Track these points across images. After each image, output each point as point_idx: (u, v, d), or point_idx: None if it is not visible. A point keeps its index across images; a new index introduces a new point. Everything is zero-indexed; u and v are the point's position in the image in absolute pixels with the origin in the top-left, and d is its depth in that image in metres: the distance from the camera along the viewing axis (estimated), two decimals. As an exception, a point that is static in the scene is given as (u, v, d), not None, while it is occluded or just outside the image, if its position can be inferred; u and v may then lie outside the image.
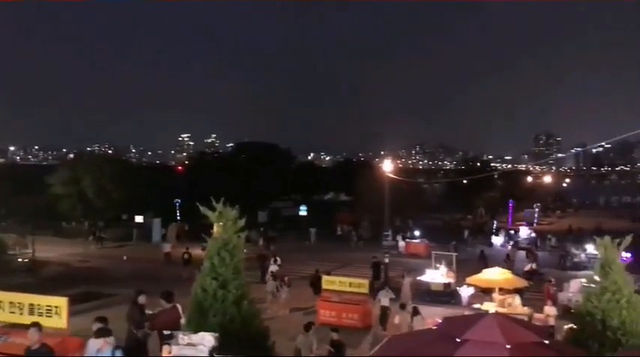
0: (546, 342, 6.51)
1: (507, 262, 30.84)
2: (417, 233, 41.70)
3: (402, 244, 39.46)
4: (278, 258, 27.16)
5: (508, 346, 6.14)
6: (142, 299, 12.58)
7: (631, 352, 8.33)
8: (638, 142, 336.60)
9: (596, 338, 8.85)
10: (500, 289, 21.17)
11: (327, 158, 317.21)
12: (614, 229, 35.56)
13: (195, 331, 8.19)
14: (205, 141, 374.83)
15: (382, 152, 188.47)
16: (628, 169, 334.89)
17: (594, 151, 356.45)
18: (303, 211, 55.54)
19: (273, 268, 25.41)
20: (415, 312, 17.06)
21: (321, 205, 65.35)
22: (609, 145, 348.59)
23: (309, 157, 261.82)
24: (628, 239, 9.55)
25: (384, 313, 19.27)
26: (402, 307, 17.85)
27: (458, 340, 6.34)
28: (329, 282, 24.27)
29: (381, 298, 19.87)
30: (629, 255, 30.83)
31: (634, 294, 9.18)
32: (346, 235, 45.11)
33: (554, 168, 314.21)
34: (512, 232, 46.86)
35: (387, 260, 28.40)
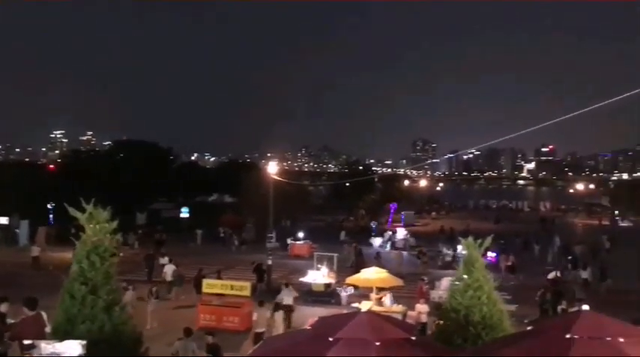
0: (413, 338, 6.85)
1: (377, 260, 32.38)
2: (300, 235, 42.22)
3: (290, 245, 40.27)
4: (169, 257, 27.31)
5: (377, 343, 6.39)
6: (3, 307, 11.68)
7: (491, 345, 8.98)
8: (504, 149, 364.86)
9: (459, 333, 9.46)
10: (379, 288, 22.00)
11: (212, 159, 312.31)
12: (480, 230, 38.35)
13: (62, 340, 7.72)
14: (80, 138, 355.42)
15: (268, 154, 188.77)
16: (495, 174, 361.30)
17: (465, 157, 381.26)
18: (185, 213, 54.23)
19: (168, 268, 25.42)
20: (276, 308, 17.71)
21: (205, 207, 64.11)
22: (479, 152, 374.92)
23: (193, 158, 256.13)
24: (489, 239, 10.33)
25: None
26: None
27: (330, 339, 6.49)
28: (210, 285, 23.85)
29: (284, 297, 20.26)
30: (494, 254, 33.51)
31: (494, 290, 9.93)
32: (227, 238, 44.76)
33: (429, 172, 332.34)
34: (390, 233, 48.76)
35: (270, 262, 28.48)
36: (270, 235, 30.08)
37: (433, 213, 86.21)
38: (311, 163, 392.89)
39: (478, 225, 57.75)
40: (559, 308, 21.71)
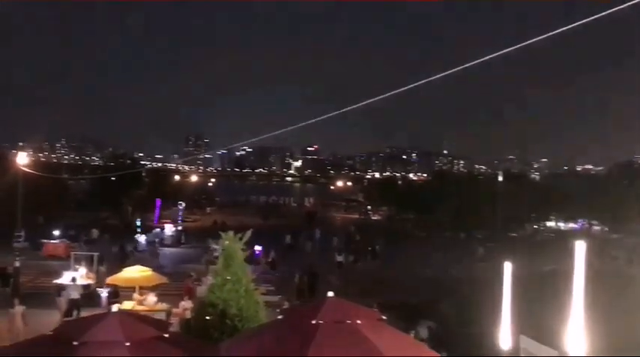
0: (166, 335, 6.70)
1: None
2: (56, 233, 38.71)
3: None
4: None
5: (127, 344, 6.11)
6: None
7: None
8: (274, 148, 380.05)
9: (216, 327, 9.55)
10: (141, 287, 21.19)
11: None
12: (251, 225, 39.41)
13: None
14: None
15: (20, 143, 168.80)
16: (265, 171, 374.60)
17: (238, 153, 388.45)
18: None
19: None
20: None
21: None
22: (251, 150, 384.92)
23: None
24: (248, 233, 10.60)
25: (74, 306, 19.66)
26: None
27: (75, 343, 6.03)
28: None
29: (71, 292, 20.27)
30: (260, 248, 34.68)
31: (251, 283, 10.23)
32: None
33: (202, 168, 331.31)
34: (158, 229, 47.40)
35: (17, 264, 25.53)
36: (18, 233, 26.94)
37: (208, 208, 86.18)
38: (72, 155, 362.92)
39: (249, 220, 59.30)
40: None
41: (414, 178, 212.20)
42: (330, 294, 7.22)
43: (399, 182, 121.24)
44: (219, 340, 9.27)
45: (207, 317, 9.93)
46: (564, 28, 7.91)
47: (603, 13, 7.42)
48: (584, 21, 7.65)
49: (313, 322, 6.58)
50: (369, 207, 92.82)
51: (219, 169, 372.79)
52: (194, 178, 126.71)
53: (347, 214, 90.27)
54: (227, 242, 10.27)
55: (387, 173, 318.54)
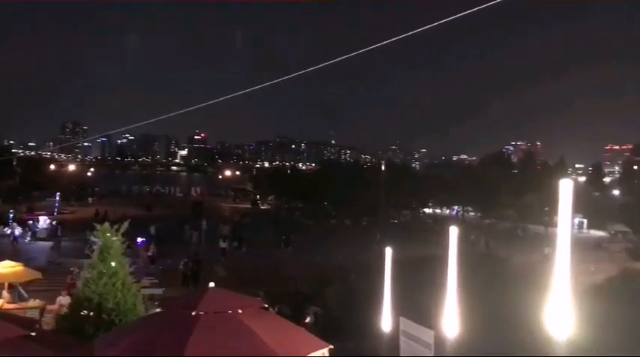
0: (33, 334, 6.26)
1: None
2: None
3: None
4: None
5: (-14, 346, 5.64)
6: None
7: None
8: (158, 136, 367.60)
9: (92, 322, 9.09)
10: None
11: None
12: (133, 216, 38.00)
13: None
14: None
15: None
16: (149, 160, 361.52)
17: (119, 141, 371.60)
18: None
19: None
20: None
21: None
22: (133, 137, 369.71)
23: None
24: (126, 224, 10.14)
25: None
26: None
27: None
28: None
29: None
30: (143, 239, 33.49)
31: (129, 276, 9.82)
32: None
33: (80, 156, 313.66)
34: (31, 222, 44.25)
35: None
36: None
37: (90, 199, 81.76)
38: None
39: (132, 211, 56.87)
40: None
41: (303, 168, 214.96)
42: (212, 284, 7.11)
43: (288, 171, 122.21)
44: (95, 335, 8.82)
45: (83, 312, 9.41)
46: (445, 21, 8.27)
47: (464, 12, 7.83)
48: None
49: (193, 313, 6.43)
50: (257, 196, 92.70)
51: (99, 158, 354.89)
52: (71, 167, 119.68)
53: (235, 204, 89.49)
54: (103, 234, 9.77)
55: (277, 163, 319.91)
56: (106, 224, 9.89)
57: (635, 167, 75.20)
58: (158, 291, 22.18)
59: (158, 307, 7.46)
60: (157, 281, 24.52)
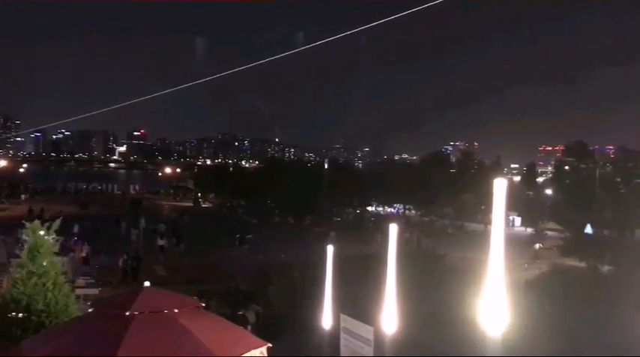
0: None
1: None
2: None
3: None
4: None
5: None
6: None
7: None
8: (96, 132, 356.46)
9: (19, 325, 8.69)
10: None
11: None
12: (68, 214, 36.89)
13: None
14: None
15: None
16: (86, 157, 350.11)
17: (54, 137, 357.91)
18: None
19: None
20: None
21: None
22: (69, 133, 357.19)
23: None
24: (57, 222, 9.75)
25: None
26: None
27: None
28: None
29: None
30: (76, 238, 32.44)
31: (60, 275, 9.43)
32: None
33: (12, 152, 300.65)
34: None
35: None
36: None
37: (23, 196, 78.46)
38: None
39: (67, 209, 54.93)
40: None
41: (246, 166, 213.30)
42: (147, 283, 6.91)
43: (231, 169, 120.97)
44: (23, 338, 8.42)
45: (11, 314, 8.97)
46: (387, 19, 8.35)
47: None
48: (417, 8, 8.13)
49: (127, 313, 6.24)
50: (198, 194, 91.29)
51: (33, 153, 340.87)
52: (2, 163, 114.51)
53: (175, 202, 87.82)
54: (33, 232, 9.34)
55: (219, 160, 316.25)
56: (37, 222, 9.47)
57: (566, 167, 78.47)
58: (94, 291, 21.53)
59: (90, 307, 7.19)
60: (93, 281, 23.80)
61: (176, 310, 6.41)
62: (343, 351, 10.79)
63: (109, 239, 37.00)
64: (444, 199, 66.72)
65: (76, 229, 36.22)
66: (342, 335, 10.87)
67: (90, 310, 7.09)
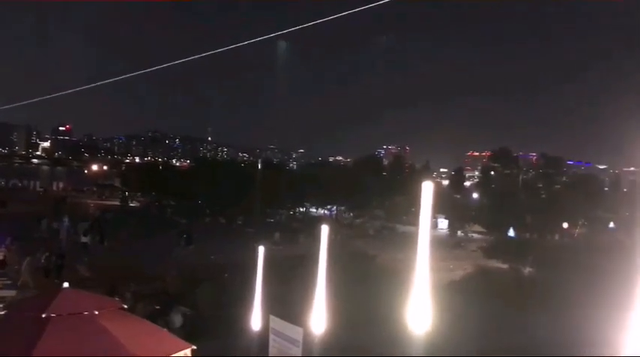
0: None
1: None
2: None
3: None
4: None
5: None
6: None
7: None
8: (18, 126, 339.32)
9: None
10: None
11: None
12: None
13: None
14: None
15: None
16: (6, 152, 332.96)
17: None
18: None
19: None
20: None
21: None
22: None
23: None
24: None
25: None
26: None
27: None
28: None
29: None
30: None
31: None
32: None
33: None
34: None
35: None
36: None
37: None
38: None
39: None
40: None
41: (177, 164, 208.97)
42: (66, 284, 6.60)
43: (160, 167, 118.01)
44: None
45: None
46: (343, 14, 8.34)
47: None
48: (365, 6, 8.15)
49: (44, 315, 5.94)
50: (126, 193, 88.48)
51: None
52: None
53: (101, 200, 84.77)
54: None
55: (148, 158, 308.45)
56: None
57: (492, 172, 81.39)
58: (11, 292, 20.46)
59: (3, 309, 6.80)
60: (10, 282, 22.62)
61: (96, 312, 6.17)
62: (272, 352, 10.73)
63: (30, 238, 35.32)
64: (375, 200, 67.71)
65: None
66: (271, 336, 10.81)
67: (1, 313, 6.70)
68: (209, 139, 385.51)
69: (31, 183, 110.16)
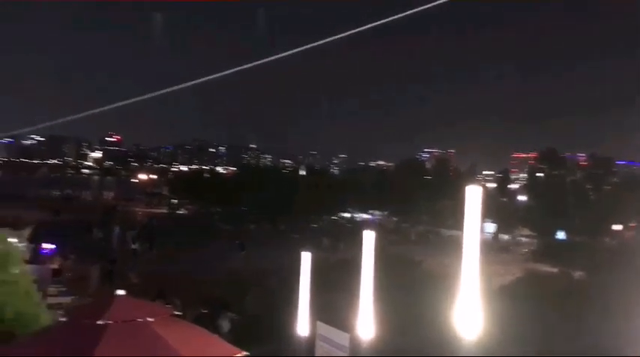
0: None
1: None
2: None
3: None
4: None
5: None
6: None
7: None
8: (68, 137, 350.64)
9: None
10: None
11: None
12: (40, 221, 36.33)
13: None
14: None
15: None
16: (58, 163, 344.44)
17: (26, 143, 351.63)
18: None
19: None
20: None
21: None
22: (42, 139, 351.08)
23: None
24: (27, 231, 9.59)
25: None
26: None
27: None
28: None
29: None
30: (49, 246, 31.69)
31: (32, 284, 9.26)
32: None
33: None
34: None
35: None
36: None
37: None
38: None
39: (38, 216, 53.86)
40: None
41: (222, 171, 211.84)
42: (121, 292, 6.81)
43: (206, 175, 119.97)
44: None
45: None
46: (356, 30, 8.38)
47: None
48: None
49: (100, 322, 6.14)
50: (174, 201, 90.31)
51: (5, 159, 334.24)
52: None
53: (150, 208, 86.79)
54: (2, 240, 9.14)
55: (194, 166, 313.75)
56: (5, 230, 9.28)
57: (540, 174, 79.57)
58: (66, 299, 21.10)
59: (62, 316, 7.06)
60: (64, 289, 23.32)
61: (150, 319, 6.34)
62: (318, 357, 10.77)
63: (81, 246, 36.36)
64: (421, 205, 67.11)
65: (48, 236, 35.54)
66: (318, 342, 10.85)
67: (61, 319, 6.96)
68: (252, 146, 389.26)
69: (83, 192, 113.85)
